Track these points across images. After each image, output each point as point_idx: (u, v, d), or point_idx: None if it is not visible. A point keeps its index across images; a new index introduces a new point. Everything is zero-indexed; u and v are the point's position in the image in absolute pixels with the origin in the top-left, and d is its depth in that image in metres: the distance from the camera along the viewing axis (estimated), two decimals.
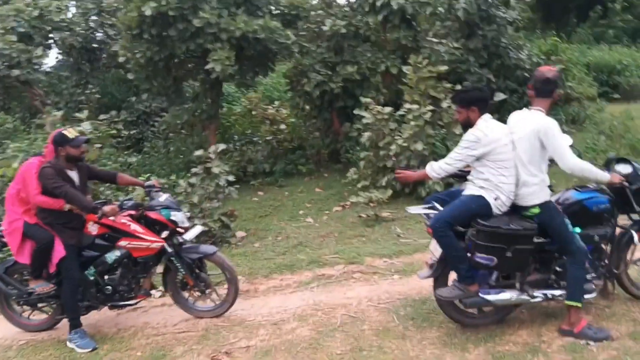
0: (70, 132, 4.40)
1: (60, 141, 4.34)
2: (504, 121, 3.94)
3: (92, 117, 12.29)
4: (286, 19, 10.70)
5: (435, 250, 3.91)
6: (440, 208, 3.87)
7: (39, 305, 4.75)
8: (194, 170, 7.23)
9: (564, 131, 4.74)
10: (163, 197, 4.65)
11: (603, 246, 4.07)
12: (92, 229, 4.52)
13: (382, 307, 4.61)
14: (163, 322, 4.79)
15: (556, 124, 3.66)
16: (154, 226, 4.55)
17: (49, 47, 11.11)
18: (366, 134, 8.83)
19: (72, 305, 4.47)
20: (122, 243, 4.48)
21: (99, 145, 7.85)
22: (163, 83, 10.47)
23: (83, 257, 4.54)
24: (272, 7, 10.51)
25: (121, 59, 9.80)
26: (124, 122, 13.39)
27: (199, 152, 7.36)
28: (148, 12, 8.77)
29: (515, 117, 3.91)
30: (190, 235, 4.63)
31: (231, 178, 7.46)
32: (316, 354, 3.94)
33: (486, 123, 3.78)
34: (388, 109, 8.75)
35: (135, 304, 4.76)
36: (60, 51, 12.61)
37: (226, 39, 9.21)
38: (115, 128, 13.29)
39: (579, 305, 3.74)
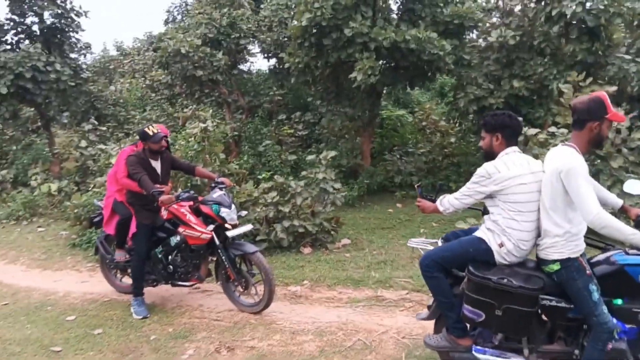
0: (151, 129, 5.00)
1: (143, 137, 5.01)
2: None
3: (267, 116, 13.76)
4: (448, 29, 10.29)
5: None
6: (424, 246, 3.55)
7: (128, 271, 5.61)
8: (303, 173, 7.55)
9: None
10: (217, 194, 5.05)
11: None
12: (164, 213, 5.17)
13: (404, 342, 4.29)
14: (211, 308, 5.24)
15: (583, 164, 2.98)
16: (207, 219, 4.99)
17: (239, 52, 12.57)
18: None
19: (137, 275, 5.18)
20: (180, 230, 5.03)
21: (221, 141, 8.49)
22: (323, 88, 11.04)
23: (155, 237, 5.23)
24: (435, 17, 10.18)
25: (286, 65, 10.63)
26: (306, 122, 14.49)
27: (311, 157, 7.65)
28: (304, 23, 9.38)
29: (549, 153, 3.27)
30: (233, 232, 4.93)
31: (337, 185, 7.58)
32: None
33: (506, 157, 3.27)
34: (533, 130, 7.81)
35: (190, 285, 5.33)
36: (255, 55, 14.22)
37: (373, 48, 9.30)
38: (295, 128, 14.60)
39: None
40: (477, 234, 3.34)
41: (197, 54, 10.72)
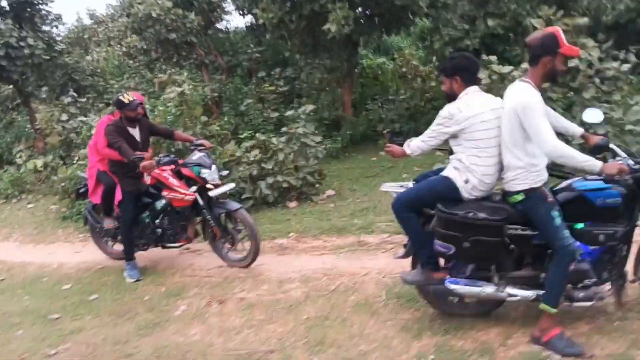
0: (126, 98, 5.05)
1: (119, 105, 5.08)
2: None
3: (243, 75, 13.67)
4: None
5: None
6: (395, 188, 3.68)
7: (118, 237, 5.75)
8: (284, 129, 7.63)
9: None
10: (196, 156, 5.18)
11: (614, 248, 3.34)
12: (147, 178, 5.30)
13: (384, 281, 4.51)
14: (202, 266, 5.44)
15: (538, 99, 3.09)
16: (189, 181, 5.12)
17: (213, 11, 12.34)
18: None
19: (127, 241, 5.35)
20: (164, 193, 5.19)
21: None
22: (299, 42, 10.96)
23: (141, 202, 5.37)
24: None
25: (260, 21, 10.52)
26: (287, 78, 14.41)
27: (289, 112, 7.72)
28: None
29: (507, 90, 3.35)
30: (215, 192, 5.06)
31: (318, 139, 7.69)
32: (288, 315, 4.13)
33: (466, 97, 3.39)
34: (508, 68, 7.86)
35: (180, 246, 5.52)
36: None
37: None
38: (276, 84, 14.55)
39: (552, 310, 3.21)
40: (444, 173, 3.48)
41: (169, 17, 10.57)
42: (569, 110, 7.47)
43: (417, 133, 11.73)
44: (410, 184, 3.77)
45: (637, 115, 7.00)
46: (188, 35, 10.90)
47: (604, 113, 7.00)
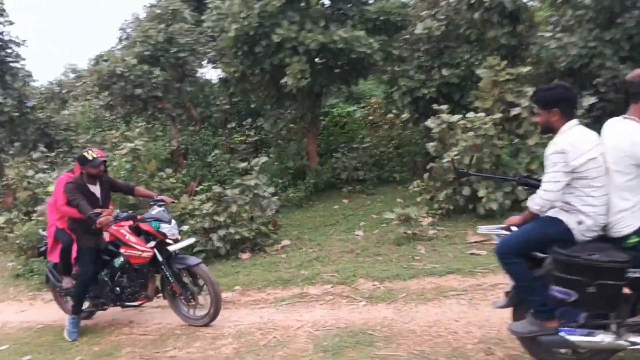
0: (90, 154, 5.04)
1: (82, 161, 5.07)
2: None
3: (218, 125, 13.92)
4: (377, 25, 10.54)
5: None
6: (515, 229, 3.35)
7: None
8: (237, 181, 7.73)
9: None
10: (155, 211, 5.11)
11: None
12: (106, 236, 5.26)
13: (315, 334, 4.51)
14: (141, 323, 5.41)
15: None
16: (148, 236, 5.03)
17: (181, 66, 12.63)
18: (432, 144, 8.34)
19: (79, 293, 5.23)
20: (122, 250, 5.09)
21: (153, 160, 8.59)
22: (264, 94, 11.24)
23: (100, 260, 5.28)
24: (363, 15, 10.43)
25: (222, 76, 10.80)
26: (258, 128, 14.66)
27: (242, 165, 7.85)
28: (232, 34, 9.55)
29: (608, 128, 3.20)
30: (175, 246, 5.02)
31: (271, 190, 7.79)
32: None
33: (570, 132, 3.13)
34: (456, 117, 8.11)
35: (139, 305, 5.33)
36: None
37: (303, 51, 9.52)
38: (247, 134, 14.79)
39: None
40: (551, 214, 3.25)
41: (134, 73, 10.82)
42: (516, 157, 7.69)
43: (381, 180, 11.92)
44: (514, 227, 3.40)
45: None
46: (154, 90, 11.13)
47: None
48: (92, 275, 5.23)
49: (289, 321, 4.90)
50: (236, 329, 4.89)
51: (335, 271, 6.10)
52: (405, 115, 11.52)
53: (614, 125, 3.14)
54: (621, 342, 3.11)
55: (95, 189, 5.22)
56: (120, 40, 23.08)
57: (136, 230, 5.13)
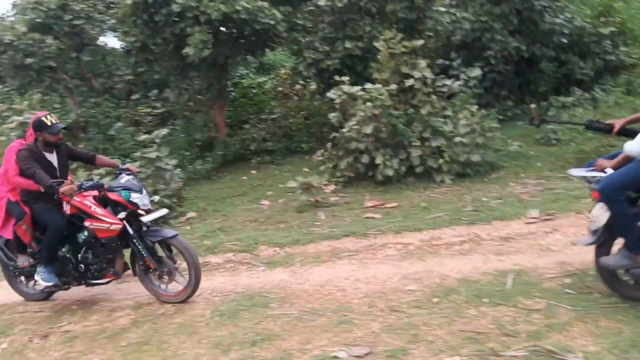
0: (48, 119, 4.54)
1: (39, 127, 4.55)
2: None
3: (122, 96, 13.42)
4: None
5: (598, 216, 3.62)
6: (611, 171, 3.55)
7: (35, 276, 5.00)
8: (136, 154, 7.61)
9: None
10: (124, 179, 4.68)
11: None
12: (66, 208, 4.68)
13: (213, 300, 4.66)
14: (35, 301, 5.27)
15: None
16: (117, 207, 4.58)
17: (76, 34, 11.95)
18: (333, 114, 8.61)
19: (50, 247, 4.70)
20: (86, 224, 4.58)
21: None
22: (168, 65, 10.97)
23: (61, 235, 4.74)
24: None
25: (121, 45, 10.41)
26: (165, 99, 14.25)
27: (143, 137, 7.72)
28: (129, 1, 9.21)
29: None
30: (149, 217, 4.66)
31: (174, 162, 7.74)
32: (108, 344, 4.14)
33: None
34: (356, 88, 8.40)
35: (107, 282, 4.86)
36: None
37: (205, 21, 9.38)
38: (153, 106, 14.35)
39: None
40: None
41: (24, 42, 10.15)
42: (410, 125, 8.13)
43: (290, 150, 12.09)
44: (610, 169, 3.62)
45: (465, 128, 7.76)
46: (47, 60, 10.51)
47: (439, 128, 7.74)
48: (63, 227, 4.66)
49: None
50: (134, 300, 4.91)
51: (238, 240, 6.25)
52: (312, 87, 11.71)
53: None
54: None
55: (52, 158, 4.72)
56: (14, 6, 21.40)
57: (102, 202, 4.65)
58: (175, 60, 11.15)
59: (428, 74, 8.08)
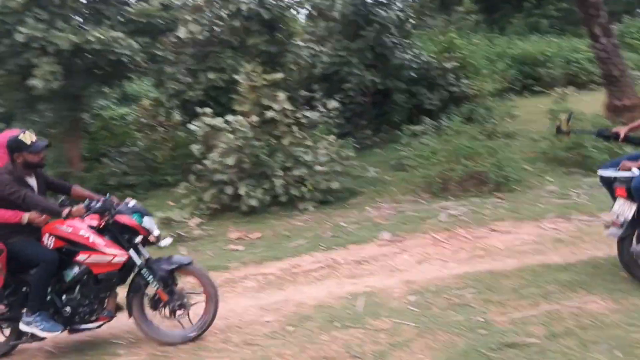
0: (27, 137, 3.95)
1: (16, 147, 3.92)
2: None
3: None
4: (139, 27, 10.31)
5: (623, 211, 4.04)
6: (637, 171, 3.98)
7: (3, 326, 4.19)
8: None
9: None
10: (132, 203, 4.21)
11: None
12: (49, 242, 3.99)
13: (52, 352, 4.30)
14: None
15: None
16: (122, 236, 4.02)
17: None
18: (196, 147, 8.51)
19: (41, 286, 3.97)
20: (81, 258, 3.95)
21: None
22: (9, 97, 10.14)
23: (26, 275, 4.03)
24: (123, 16, 10.10)
25: None
26: None
27: None
28: None
29: None
30: (165, 241, 4.33)
31: None
32: None
33: None
34: (218, 120, 8.40)
35: (98, 327, 4.20)
36: None
37: (54, 52, 8.84)
38: None
39: None
40: None
41: None
42: (273, 156, 8.29)
43: (154, 183, 11.60)
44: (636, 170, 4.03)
45: (324, 157, 8.09)
46: None
47: (300, 157, 7.96)
48: (56, 261, 3.96)
49: None
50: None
51: None
52: (176, 118, 11.49)
53: None
54: None
55: (32, 182, 4.08)
56: None
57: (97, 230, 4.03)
58: (22, 92, 10.34)
59: (287, 105, 8.33)
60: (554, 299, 4.10)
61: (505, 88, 15.70)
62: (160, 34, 10.80)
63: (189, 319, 4.16)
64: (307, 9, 13.30)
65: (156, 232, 4.11)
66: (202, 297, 4.16)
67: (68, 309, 4.03)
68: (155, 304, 4.12)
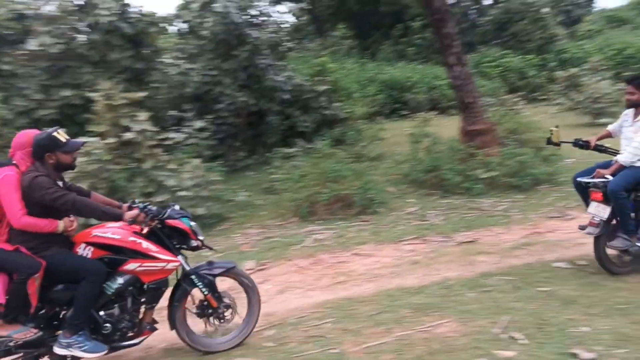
0: (61, 135, 3.62)
1: (52, 146, 3.57)
2: None
3: None
4: None
5: (599, 212, 4.62)
6: (610, 177, 4.62)
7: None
8: None
9: None
10: (177, 206, 3.98)
11: None
12: (86, 252, 3.62)
13: None
14: None
15: None
16: (171, 241, 3.80)
17: None
18: None
19: (90, 301, 3.57)
20: (130, 267, 3.65)
21: None
22: None
23: (61, 292, 3.58)
24: None
25: None
26: None
27: None
28: None
29: None
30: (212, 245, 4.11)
31: None
32: None
33: None
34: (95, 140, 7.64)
35: (139, 342, 3.81)
36: None
37: None
38: None
39: None
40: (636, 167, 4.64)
41: None
42: (132, 180, 7.73)
43: None
44: (609, 176, 4.65)
45: (190, 181, 7.71)
46: None
47: (163, 182, 7.51)
48: (104, 273, 3.60)
49: None
50: None
51: None
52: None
53: None
54: None
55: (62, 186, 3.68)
56: None
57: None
58: None
59: (149, 126, 7.84)
60: (407, 324, 4.15)
61: (375, 112, 16.41)
62: (8, 45, 9.74)
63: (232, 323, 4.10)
64: (175, 26, 12.90)
65: (201, 237, 3.93)
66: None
67: (108, 325, 3.68)
68: (203, 310, 3.99)
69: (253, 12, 12.71)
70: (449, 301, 4.51)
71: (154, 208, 3.79)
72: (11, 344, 3.50)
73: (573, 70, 17.39)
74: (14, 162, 3.57)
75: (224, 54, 11.99)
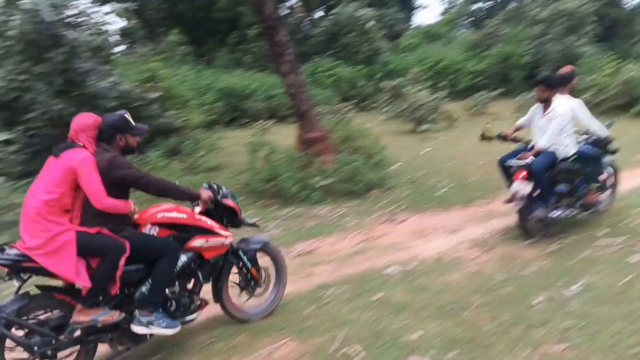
0: (130, 117, 3.65)
1: (123, 127, 3.59)
2: None
3: None
4: None
5: (522, 189, 5.44)
6: (532, 159, 5.49)
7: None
8: None
9: None
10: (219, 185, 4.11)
11: None
12: (151, 232, 3.65)
13: None
14: None
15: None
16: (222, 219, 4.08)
17: None
18: None
19: (169, 279, 3.65)
20: (196, 243, 3.81)
21: None
22: None
23: (133, 273, 3.53)
24: None
25: None
26: None
27: None
28: None
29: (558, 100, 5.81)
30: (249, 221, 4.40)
31: None
32: None
33: (559, 100, 5.76)
34: None
35: (196, 317, 3.94)
36: None
37: None
38: None
39: None
40: (550, 150, 5.64)
41: None
42: None
43: None
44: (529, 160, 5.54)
45: None
46: None
47: None
48: (179, 250, 3.68)
49: None
50: None
51: None
52: None
53: (562, 100, 5.69)
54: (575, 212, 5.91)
55: None
56: None
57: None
58: None
59: None
60: (245, 350, 3.88)
61: (214, 120, 15.97)
62: None
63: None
64: None
65: (242, 215, 4.20)
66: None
67: (172, 302, 3.78)
68: (247, 283, 4.26)
69: (70, 11, 11.48)
70: (288, 319, 4.35)
71: (224, 188, 4.11)
72: (95, 327, 3.41)
73: (398, 80, 18.72)
74: (81, 143, 3.47)
75: (35, 57, 10.65)
